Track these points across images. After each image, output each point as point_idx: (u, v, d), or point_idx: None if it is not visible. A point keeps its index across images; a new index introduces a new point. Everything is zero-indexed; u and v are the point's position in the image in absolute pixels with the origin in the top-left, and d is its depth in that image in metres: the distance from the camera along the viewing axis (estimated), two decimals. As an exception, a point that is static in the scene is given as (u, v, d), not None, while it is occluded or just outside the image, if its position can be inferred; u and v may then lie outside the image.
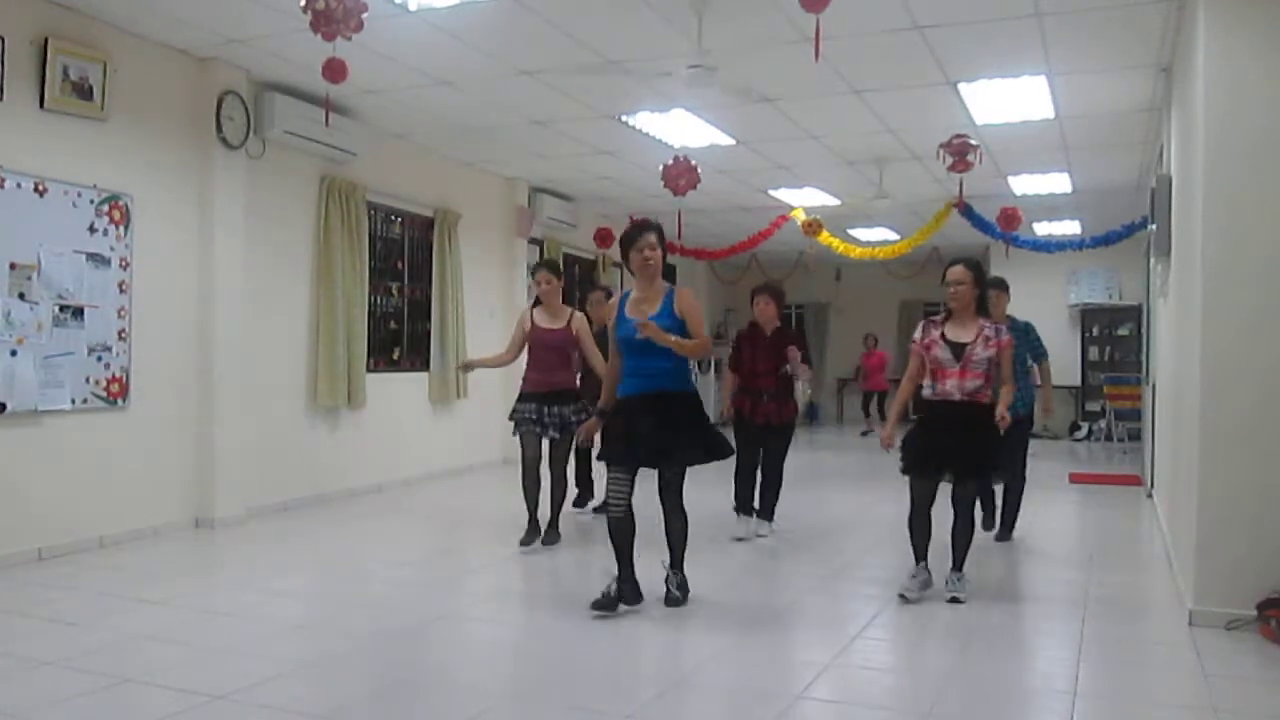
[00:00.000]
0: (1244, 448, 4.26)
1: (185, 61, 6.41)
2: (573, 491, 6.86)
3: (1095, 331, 14.36)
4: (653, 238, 4.52)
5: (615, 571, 4.52)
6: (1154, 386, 7.91)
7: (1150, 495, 7.96)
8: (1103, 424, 13.32)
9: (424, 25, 5.73)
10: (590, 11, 5.54)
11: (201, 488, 6.53)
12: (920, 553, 4.86)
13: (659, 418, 4.42)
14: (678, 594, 4.60)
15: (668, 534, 4.61)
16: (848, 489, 9.11)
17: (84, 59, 5.64)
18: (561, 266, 6.21)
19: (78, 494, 5.70)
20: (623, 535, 4.50)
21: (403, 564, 5.73)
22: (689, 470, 4.58)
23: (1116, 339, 14.16)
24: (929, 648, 4.16)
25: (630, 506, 4.46)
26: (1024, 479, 6.25)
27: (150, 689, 3.47)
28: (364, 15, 4.51)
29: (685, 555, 4.66)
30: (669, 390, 4.48)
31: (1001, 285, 6.09)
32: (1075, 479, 9.51)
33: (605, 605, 4.42)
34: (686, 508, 4.61)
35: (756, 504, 6.37)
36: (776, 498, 6.42)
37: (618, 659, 3.96)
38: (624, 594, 4.49)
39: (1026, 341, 6.13)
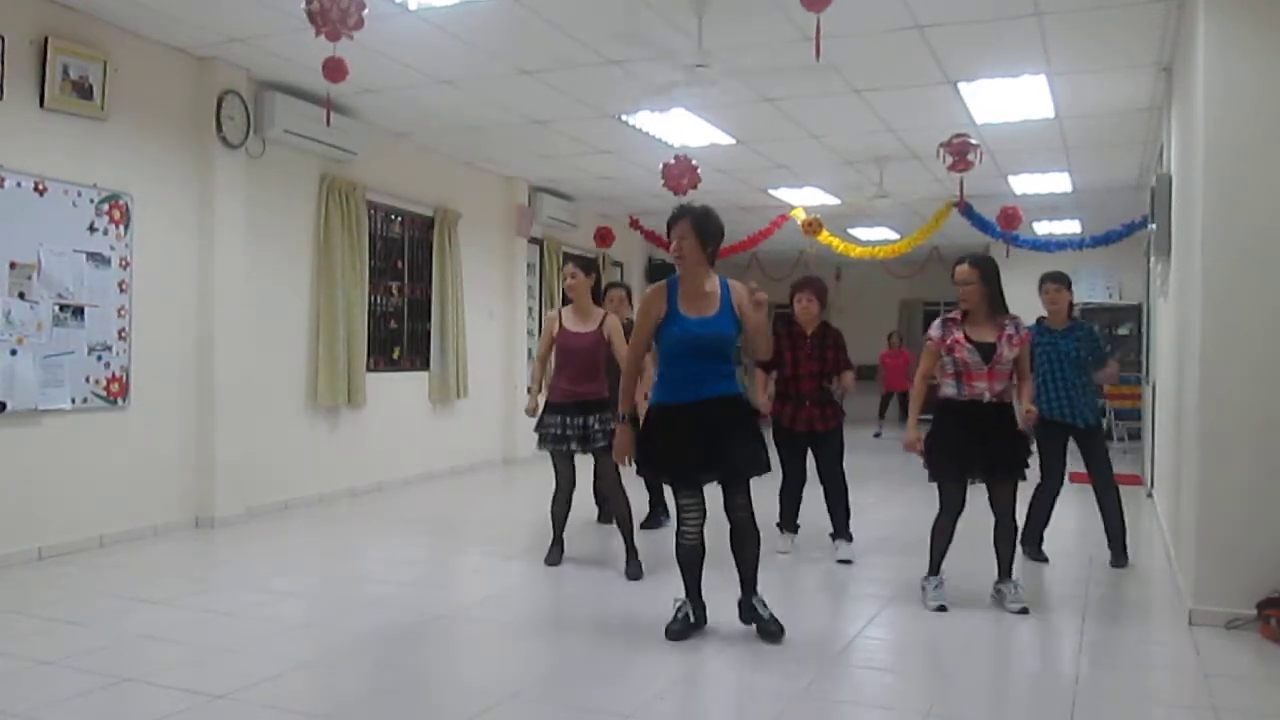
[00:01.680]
0: (1244, 447, 4.26)
1: (185, 61, 6.41)
2: (641, 511, 6.16)
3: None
4: (683, 225, 4.01)
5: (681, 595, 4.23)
6: (1154, 386, 7.91)
7: (1150, 495, 7.95)
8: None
9: (424, 24, 5.73)
10: (590, 11, 5.54)
11: (201, 487, 6.53)
12: (940, 561, 4.70)
13: (722, 425, 3.98)
14: (773, 624, 4.10)
15: (739, 558, 4.14)
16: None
17: (84, 58, 5.64)
18: (598, 263, 5.48)
19: (78, 494, 5.70)
20: (695, 564, 4.15)
21: (403, 564, 5.73)
22: None
23: (1116, 339, 14.14)
24: (929, 648, 4.16)
25: (703, 532, 4.12)
26: (1117, 492, 5.79)
27: (150, 689, 3.47)
28: (364, 14, 4.51)
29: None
30: (728, 395, 4.03)
31: (1060, 280, 5.66)
32: (1075, 479, 9.47)
33: (683, 633, 4.11)
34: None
35: (799, 520, 5.94)
36: (848, 512, 5.82)
37: (618, 659, 3.96)
38: (699, 619, 4.20)
39: (1090, 342, 5.70)
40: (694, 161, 7.61)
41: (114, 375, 5.91)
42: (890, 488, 9.37)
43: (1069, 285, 5.69)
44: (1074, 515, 7.69)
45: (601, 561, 5.66)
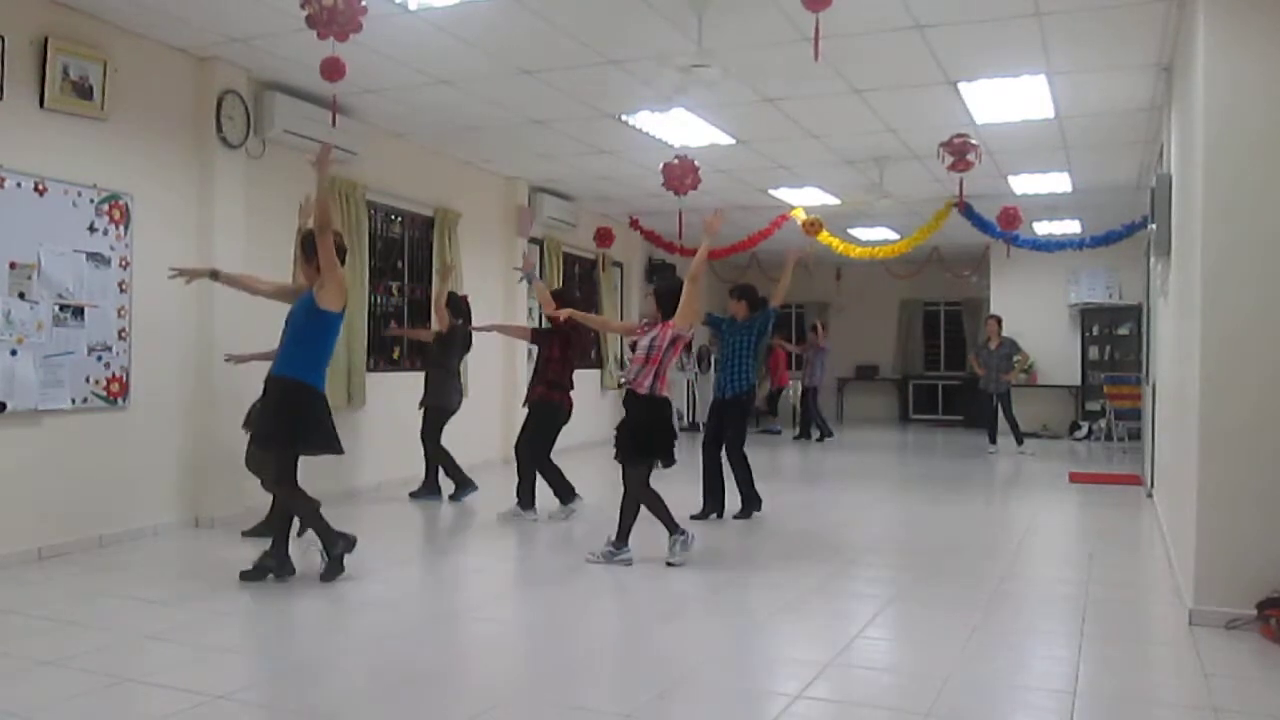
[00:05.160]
0: (1244, 448, 4.26)
1: (185, 61, 6.41)
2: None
3: (1095, 331, 14.36)
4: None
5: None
6: (1154, 386, 7.91)
7: (1150, 495, 7.96)
8: (1103, 424, 13.32)
9: (424, 24, 5.73)
10: (590, 11, 5.54)
11: (201, 487, 6.52)
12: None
13: None
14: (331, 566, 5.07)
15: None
16: (844, 490, 9.11)
17: (84, 58, 5.64)
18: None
19: (78, 494, 5.70)
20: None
21: (402, 563, 5.73)
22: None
23: (1116, 339, 14.15)
24: (929, 648, 4.16)
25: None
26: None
27: (150, 689, 3.47)
28: (363, 8, 4.51)
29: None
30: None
31: (732, 293, 7.14)
32: (1075, 479, 9.50)
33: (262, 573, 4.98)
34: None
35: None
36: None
37: (617, 658, 3.96)
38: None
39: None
40: (695, 162, 7.59)
41: (114, 375, 5.91)
42: (886, 488, 9.37)
43: (738, 297, 7.09)
44: (1074, 515, 7.70)
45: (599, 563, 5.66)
